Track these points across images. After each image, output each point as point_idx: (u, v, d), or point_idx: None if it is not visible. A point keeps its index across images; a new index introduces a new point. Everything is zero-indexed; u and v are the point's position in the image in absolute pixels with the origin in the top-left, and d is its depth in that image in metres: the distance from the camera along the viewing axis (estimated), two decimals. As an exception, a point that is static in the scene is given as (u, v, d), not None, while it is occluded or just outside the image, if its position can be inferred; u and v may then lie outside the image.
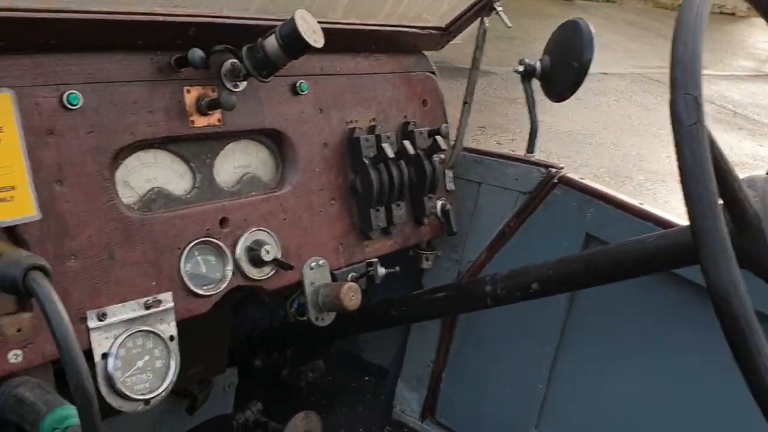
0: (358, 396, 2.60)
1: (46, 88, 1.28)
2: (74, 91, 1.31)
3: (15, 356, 1.23)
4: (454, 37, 2.09)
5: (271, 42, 1.46)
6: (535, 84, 2.28)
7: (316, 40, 1.46)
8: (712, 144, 1.06)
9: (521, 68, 2.28)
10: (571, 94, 2.20)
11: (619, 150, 8.45)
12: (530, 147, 2.27)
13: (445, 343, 2.43)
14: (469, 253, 2.30)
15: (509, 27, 2.01)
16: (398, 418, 2.58)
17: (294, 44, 1.45)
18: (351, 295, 1.68)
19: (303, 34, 1.43)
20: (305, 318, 1.76)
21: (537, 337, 2.20)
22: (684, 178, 1.01)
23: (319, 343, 2.55)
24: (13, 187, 1.23)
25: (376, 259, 1.88)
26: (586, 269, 1.59)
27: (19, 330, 1.24)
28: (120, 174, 1.44)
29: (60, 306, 1.01)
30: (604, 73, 11.41)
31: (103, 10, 1.30)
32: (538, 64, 2.25)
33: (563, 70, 2.18)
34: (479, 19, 2.01)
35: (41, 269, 1.04)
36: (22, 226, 1.25)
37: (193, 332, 2.11)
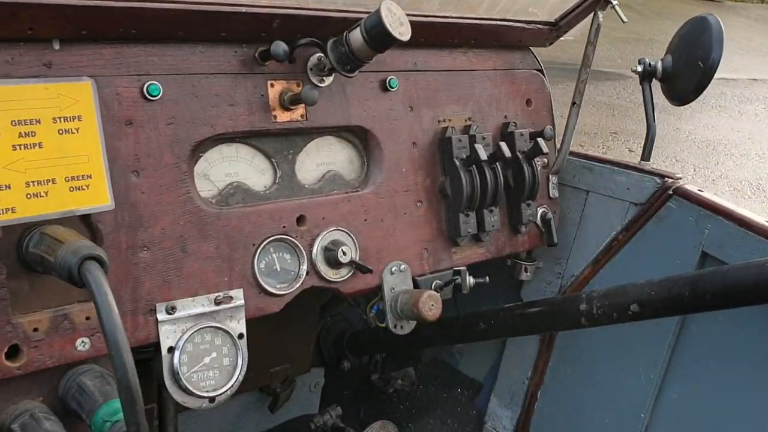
0: (449, 408, 2.49)
1: (126, 78, 1.28)
2: (155, 82, 1.30)
3: (82, 344, 1.24)
4: (565, 32, 1.94)
5: (356, 35, 1.40)
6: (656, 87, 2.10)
7: (403, 33, 1.38)
8: None
9: (639, 68, 2.10)
10: (695, 98, 2.00)
11: (765, 163, 7.81)
12: (646, 154, 2.08)
13: (543, 360, 2.28)
14: (572, 267, 2.14)
15: (625, 22, 1.84)
16: None
17: (379, 37, 1.38)
18: (431, 305, 1.59)
19: (389, 26, 1.35)
20: (384, 324, 1.68)
21: (642, 361, 2.01)
22: None
23: (407, 350, 2.47)
24: (89, 176, 1.24)
25: (464, 268, 1.77)
26: (693, 292, 1.42)
27: (87, 318, 1.24)
28: (200, 167, 1.43)
29: (111, 298, 0.99)
30: (753, 79, 10.59)
31: (186, 1, 1.28)
32: (659, 64, 2.07)
33: (687, 70, 1.98)
34: (592, 13, 1.85)
35: (97, 260, 1.02)
36: (96, 216, 1.25)
37: (280, 331, 2.11)
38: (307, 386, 2.35)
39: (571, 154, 2.08)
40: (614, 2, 1.83)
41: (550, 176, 2.01)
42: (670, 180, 1.92)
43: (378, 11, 1.35)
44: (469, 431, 2.47)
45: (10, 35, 1.14)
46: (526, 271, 2.14)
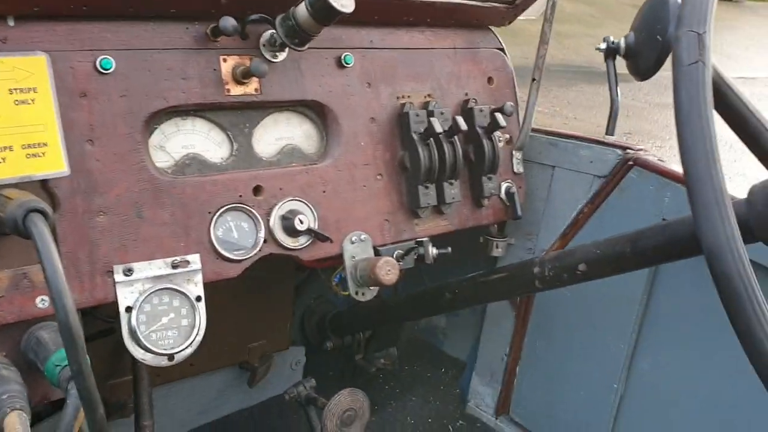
0: (432, 387, 2.54)
1: (80, 53, 1.36)
2: (107, 57, 1.38)
3: (42, 301, 1.31)
4: (522, 11, 1.99)
5: (302, 9, 1.47)
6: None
7: (345, 5, 1.45)
8: (722, 86, 0.94)
9: (603, 46, 2.15)
10: (655, 72, 2.04)
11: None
12: (610, 129, 2.13)
13: (519, 337, 2.32)
14: (543, 241, 2.19)
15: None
16: (472, 412, 2.50)
17: (323, 10, 1.45)
18: (387, 269, 1.64)
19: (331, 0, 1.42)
20: (347, 292, 1.74)
21: (611, 332, 2.05)
22: (678, 123, 0.89)
23: (384, 325, 2.52)
24: (45, 144, 1.32)
25: (426, 239, 1.83)
26: (633, 249, 1.46)
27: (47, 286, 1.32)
28: (156, 139, 1.51)
29: (52, 246, 1.06)
30: (775, 78, 10.52)
31: (132, -22, 1.36)
32: (622, 41, 2.12)
33: (648, 46, 2.03)
34: (548, -9, 1.91)
35: (41, 212, 1.10)
36: (53, 181, 1.33)
37: (254, 307, 2.18)
38: (288, 364, 2.41)
39: (537, 131, 2.13)
40: (568, -21, 1.88)
41: (513, 152, 2.06)
42: (631, 151, 1.96)
43: (320, -15, 1.42)
44: (452, 409, 2.51)
45: (-36, 11, 1.23)
46: (498, 248, 2.19)
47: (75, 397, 1.15)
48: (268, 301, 2.19)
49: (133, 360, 1.78)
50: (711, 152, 0.86)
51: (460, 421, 2.49)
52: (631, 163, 1.94)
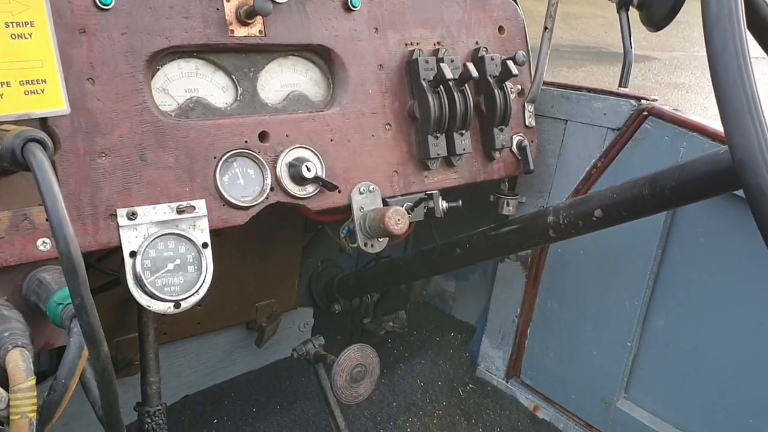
0: (441, 351, 2.51)
1: None
2: None
3: (43, 244, 1.28)
4: (533, -43, 1.94)
5: (307, -56, 1.42)
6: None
7: (352, -61, 1.39)
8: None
9: (616, -3, 2.09)
10: (671, 20, 1.98)
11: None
12: (623, 80, 2.08)
13: (530, 297, 2.28)
14: (555, 198, 2.14)
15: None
16: (482, 376, 2.46)
17: (328, -55, 1.39)
18: (397, 219, 1.60)
19: (336, -68, 1.37)
20: (355, 244, 1.70)
21: (625, 289, 2.01)
22: (706, 26, 0.84)
23: (394, 285, 2.48)
24: (44, 80, 1.28)
25: (436, 191, 1.78)
26: (652, 190, 1.41)
27: (47, 219, 1.28)
28: (159, 81, 1.46)
29: (51, 175, 1.02)
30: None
31: None
32: (635, -9, 2.06)
33: None
34: (560, -64, 1.85)
35: (39, 141, 1.06)
36: (53, 120, 1.29)
37: (261, 266, 2.14)
38: (296, 325, 2.38)
39: (549, 84, 2.08)
40: None
41: (525, 104, 2.01)
42: (646, 102, 1.91)
43: None
44: (462, 373, 2.48)
45: (-44, -62, 1.18)
46: (508, 206, 2.14)
47: (78, 334, 1.11)
48: (275, 260, 2.15)
49: (139, 315, 1.75)
50: (741, 55, 0.81)
51: (470, 385, 2.45)
52: (645, 113, 1.89)
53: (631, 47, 2.09)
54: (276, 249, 2.16)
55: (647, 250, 1.93)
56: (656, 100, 1.91)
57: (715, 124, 1.77)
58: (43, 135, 1.07)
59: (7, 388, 1.05)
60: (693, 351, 1.90)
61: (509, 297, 2.33)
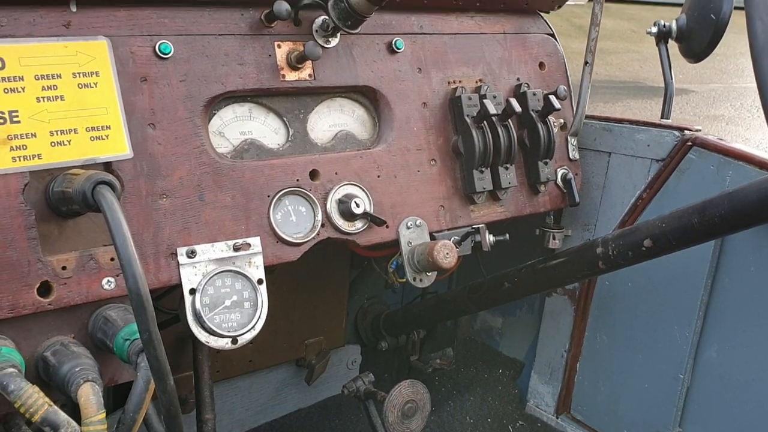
0: (490, 387, 2.49)
1: (140, 38, 1.39)
2: (166, 41, 1.41)
3: (108, 283, 1.33)
4: (571, -5, 1.98)
5: (354, -10, 1.48)
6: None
7: (397, -16, 1.45)
8: None
9: (654, 29, 2.12)
10: (710, 52, 2.01)
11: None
12: (665, 112, 2.09)
13: (579, 331, 2.27)
14: (601, 231, 2.14)
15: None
16: (532, 412, 2.44)
17: (375, -10, 1.45)
18: (446, 253, 1.62)
19: (382, -22, 1.43)
20: (404, 279, 1.72)
21: (676, 320, 1.98)
22: (755, 54, 0.86)
23: (441, 321, 2.49)
24: (108, 127, 1.35)
25: (482, 225, 1.80)
26: (701, 219, 1.41)
27: (112, 259, 1.34)
28: (215, 125, 1.53)
29: (121, 215, 1.07)
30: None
31: (190, -36, 1.39)
32: (674, 24, 2.09)
33: (701, 26, 1.99)
34: (597, -27, 1.89)
35: (108, 184, 1.11)
36: (117, 164, 1.35)
37: (310, 303, 2.18)
38: (344, 363, 2.39)
39: (590, 117, 2.10)
40: (618, -41, 1.87)
41: (568, 138, 2.03)
42: (689, 132, 1.91)
43: (372, -35, 1.43)
44: (511, 410, 2.46)
45: (30, -3, 1.27)
46: (555, 239, 2.15)
47: (145, 369, 1.15)
48: (324, 297, 2.18)
49: (195, 353, 1.79)
50: None
51: (520, 422, 2.43)
52: (689, 143, 1.89)
53: (672, 79, 2.11)
54: (324, 286, 2.20)
55: (697, 280, 1.91)
56: (699, 130, 1.92)
57: (762, 152, 1.77)
58: (111, 178, 1.12)
59: (79, 421, 1.09)
60: (748, 383, 1.86)
61: (557, 331, 2.32)
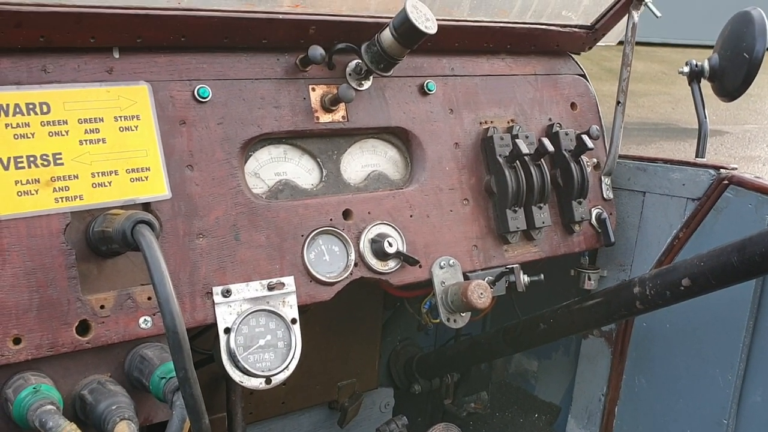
0: None
1: (179, 83, 1.43)
2: (205, 86, 1.45)
3: (145, 322, 1.34)
4: (602, 36, 1.99)
5: (386, 34, 1.51)
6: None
7: (429, 27, 1.48)
8: None
9: (686, 69, 2.12)
10: (744, 90, 2.00)
11: None
12: (700, 151, 2.07)
13: (617, 374, 2.22)
14: (637, 271, 2.11)
15: (658, 17, 1.89)
16: None
17: (407, 33, 1.48)
18: (480, 293, 1.61)
19: (414, 21, 1.46)
20: (438, 320, 1.71)
21: (718, 363, 1.93)
22: None
23: (474, 365, 2.45)
24: (148, 168, 1.39)
25: (517, 265, 1.79)
26: (741, 257, 1.39)
27: (149, 298, 1.35)
28: (251, 166, 1.55)
29: (159, 254, 1.09)
30: None
31: (227, 9, 1.44)
32: (706, 63, 2.09)
33: (734, 65, 1.99)
34: (627, 14, 1.90)
35: (148, 223, 1.14)
36: (155, 204, 1.38)
37: (343, 345, 2.17)
38: (377, 406, 2.37)
39: (624, 156, 2.09)
40: (648, 0, 1.88)
41: (602, 177, 2.02)
42: (725, 171, 1.89)
43: (404, 9, 1.47)
44: None
45: (75, 44, 1.32)
46: (590, 280, 2.13)
47: (181, 407, 1.15)
48: (356, 338, 2.18)
49: (228, 394, 1.79)
50: None
51: None
52: (726, 182, 1.87)
53: (706, 118, 2.10)
54: (357, 327, 2.19)
55: (738, 321, 1.87)
56: (736, 168, 1.90)
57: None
58: (150, 217, 1.15)
59: (114, 459, 1.10)
60: None
61: (594, 374, 2.27)
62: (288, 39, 1.54)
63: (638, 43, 1.90)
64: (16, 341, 1.23)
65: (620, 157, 2.05)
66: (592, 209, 1.98)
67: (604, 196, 2.02)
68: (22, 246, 1.25)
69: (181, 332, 1.06)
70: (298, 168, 1.61)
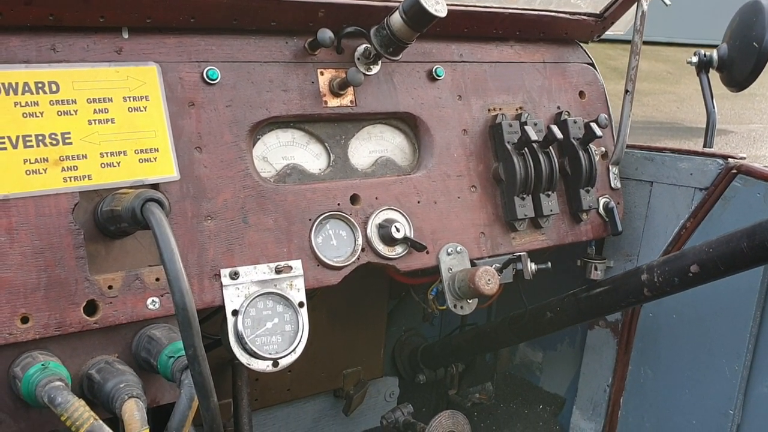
0: (531, 424, 2.43)
1: (188, 64, 1.43)
2: (214, 68, 1.45)
3: (153, 303, 1.34)
4: (611, 24, 1.98)
5: (396, 17, 1.50)
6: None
7: (439, 10, 1.47)
8: None
9: (695, 59, 2.12)
10: (753, 80, 1.99)
11: None
12: (708, 141, 2.07)
13: (622, 365, 2.21)
14: (643, 261, 2.10)
15: (668, 5, 1.88)
16: None
17: (417, 15, 1.47)
18: (487, 279, 1.61)
19: (424, 4, 1.45)
20: (444, 306, 1.71)
21: (724, 353, 1.92)
22: None
23: (480, 353, 2.45)
24: (156, 150, 1.38)
25: (524, 253, 1.78)
26: (750, 243, 1.38)
27: (157, 279, 1.35)
28: (259, 150, 1.55)
29: (169, 231, 1.09)
30: None
31: (236, -9, 1.43)
32: (714, 54, 2.08)
33: (743, 55, 1.99)
34: (636, 2, 1.90)
35: (157, 201, 1.13)
36: (164, 185, 1.38)
37: (348, 333, 2.17)
38: (382, 395, 2.36)
39: (632, 146, 2.08)
40: (656, -12, 1.88)
41: (610, 167, 2.01)
42: (734, 160, 1.88)
43: (414, -8, 1.46)
44: None
45: (85, 23, 1.31)
46: (596, 270, 2.12)
47: (189, 386, 1.15)
48: (362, 327, 2.17)
49: (234, 379, 1.79)
50: None
51: None
52: (734, 171, 1.86)
53: (714, 108, 2.09)
54: (362, 316, 2.19)
55: (745, 311, 1.86)
56: (744, 158, 1.89)
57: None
58: (160, 195, 1.14)
59: (122, 436, 1.10)
60: None
61: (600, 365, 2.27)
62: (297, 22, 1.53)
63: (643, 42, 1.90)
64: (24, 320, 1.23)
65: (628, 146, 2.04)
66: (600, 198, 1.97)
67: (612, 185, 2.02)
68: (30, 225, 1.25)
69: (191, 309, 1.06)
70: (305, 152, 1.61)
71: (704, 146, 2.07)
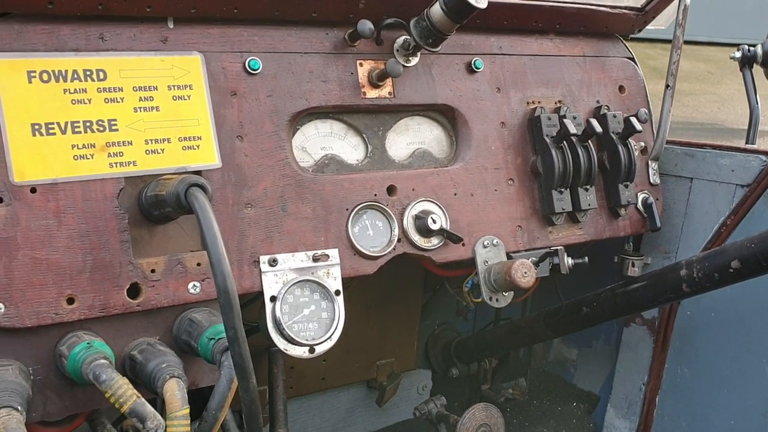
0: (564, 421, 2.42)
1: (231, 54, 1.45)
2: (255, 58, 1.47)
3: (194, 287, 1.37)
4: (652, 18, 1.96)
5: (436, 9, 1.51)
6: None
7: (479, 1, 1.47)
8: None
9: (738, 54, 2.08)
10: (800, 75, 1.95)
11: None
12: (750, 137, 2.03)
13: (659, 364, 2.19)
14: (682, 258, 2.08)
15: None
16: None
17: (457, 7, 1.48)
18: (524, 272, 1.60)
19: (465, -5, 1.45)
20: (480, 299, 1.71)
21: (764, 353, 1.89)
22: None
23: (513, 351, 2.44)
24: (199, 137, 1.41)
25: (561, 247, 1.78)
26: None
27: (198, 264, 1.38)
28: (298, 140, 1.57)
29: (212, 216, 1.11)
30: None
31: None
32: (759, 48, 2.05)
33: None
34: (679, -5, 1.87)
35: (201, 186, 1.16)
36: (206, 173, 1.41)
37: (382, 324, 2.18)
38: (415, 387, 2.37)
39: (671, 142, 2.05)
40: (701, -19, 1.85)
41: (649, 162, 1.99)
42: None
43: (454, -17, 1.46)
44: None
45: (132, 12, 1.35)
46: (634, 266, 2.10)
47: (229, 367, 1.17)
48: (396, 318, 2.19)
49: (270, 367, 1.81)
50: None
51: None
52: None
53: (758, 104, 2.06)
54: (397, 308, 2.20)
55: None
56: None
57: None
58: (204, 181, 1.17)
59: (164, 415, 1.12)
60: None
61: (636, 363, 2.24)
62: (337, 13, 1.55)
63: (684, 42, 1.87)
64: (70, 301, 1.27)
65: (668, 142, 2.01)
66: (639, 194, 1.96)
67: (651, 180, 1.99)
68: (77, 209, 1.28)
69: (232, 292, 1.08)
70: (343, 143, 1.62)
71: (746, 143, 2.04)
